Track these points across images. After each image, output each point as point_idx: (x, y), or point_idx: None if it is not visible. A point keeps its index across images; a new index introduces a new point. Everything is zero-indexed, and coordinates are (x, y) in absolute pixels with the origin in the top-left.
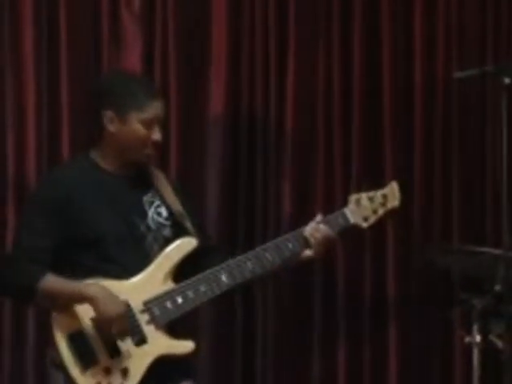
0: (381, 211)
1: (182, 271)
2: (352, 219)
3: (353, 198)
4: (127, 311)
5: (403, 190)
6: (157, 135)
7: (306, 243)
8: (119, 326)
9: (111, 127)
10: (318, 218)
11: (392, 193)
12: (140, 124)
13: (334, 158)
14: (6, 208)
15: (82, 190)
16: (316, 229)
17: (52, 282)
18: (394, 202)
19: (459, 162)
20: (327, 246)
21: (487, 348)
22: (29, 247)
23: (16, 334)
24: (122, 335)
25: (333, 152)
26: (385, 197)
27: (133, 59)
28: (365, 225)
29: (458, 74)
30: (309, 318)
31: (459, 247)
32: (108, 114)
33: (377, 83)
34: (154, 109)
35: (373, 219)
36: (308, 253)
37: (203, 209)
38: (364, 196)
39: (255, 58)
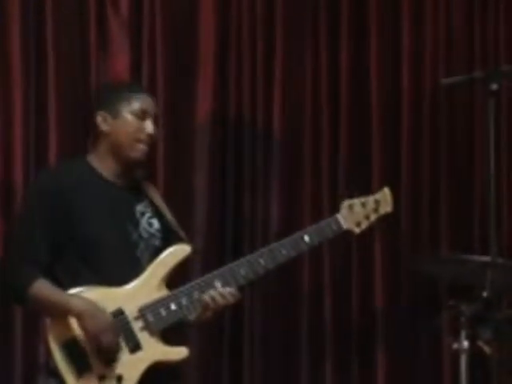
0: (373, 217)
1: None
2: (345, 225)
3: (345, 203)
4: (114, 325)
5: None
6: (149, 127)
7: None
8: (106, 340)
9: (105, 126)
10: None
11: (384, 198)
12: (131, 115)
13: (322, 159)
14: None
15: (78, 196)
16: (222, 294)
17: (42, 289)
18: (387, 207)
19: (447, 170)
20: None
21: (475, 354)
22: (24, 253)
23: (3, 337)
24: (111, 348)
25: (320, 154)
26: (377, 202)
27: (120, 66)
28: (357, 230)
29: (445, 81)
30: (296, 328)
31: (447, 255)
32: (100, 114)
33: (364, 88)
34: (142, 100)
35: (365, 225)
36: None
37: (191, 213)
38: (357, 201)
39: (242, 64)
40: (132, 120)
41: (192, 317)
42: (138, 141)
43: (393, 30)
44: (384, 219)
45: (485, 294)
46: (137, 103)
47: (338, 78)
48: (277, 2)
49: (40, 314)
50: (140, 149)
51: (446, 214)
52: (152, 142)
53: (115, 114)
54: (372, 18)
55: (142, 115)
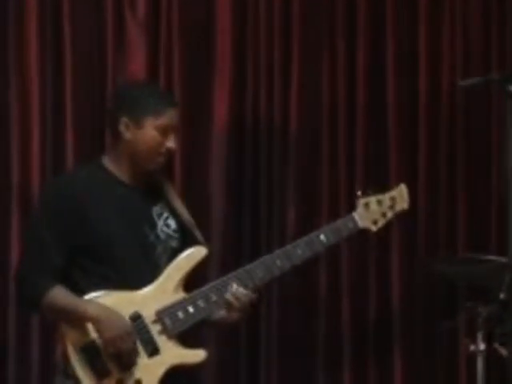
0: (390, 214)
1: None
2: (361, 223)
3: (361, 201)
4: (131, 329)
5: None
6: (171, 143)
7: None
8: (123, 345)
9: (127, 134)
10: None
11: (400, 195)
12: (156, 131)
13: (339, 162)
14: (11, 217)
15: (92, 199)
16: (235, 295)
17: (57, 297)
18: (403, 204)
19: (464, 171)
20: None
21: (492, 356)
22: (38, 259)
23: (21, 343)
24: (129, 352)
25: (337, 157)
26: (393, 199)
27: (137, 66)
28: (374, 228)
29: (462, 83)
30: (313, 329)
31: (464, 256)
32: (123, 120)
33: (381, 89)
34: (168, 116)
35: (382, 222)
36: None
37: (208, 214)
38: (373, 199)
39: (259, 67)
40: (155, 135)
41: (215, 317)
42: (158, 154)
43: (410, 31)
44: (401, 220)
45: (502, 296)
46: (162, 119)
47: (354, 78)
48: (294, 3)
49: (57, 321)
50: (158, 161)
51: (463, 215)
52: (171, 154)
53: (139, 125)
54: (389, 19)
55: (166, 130)
